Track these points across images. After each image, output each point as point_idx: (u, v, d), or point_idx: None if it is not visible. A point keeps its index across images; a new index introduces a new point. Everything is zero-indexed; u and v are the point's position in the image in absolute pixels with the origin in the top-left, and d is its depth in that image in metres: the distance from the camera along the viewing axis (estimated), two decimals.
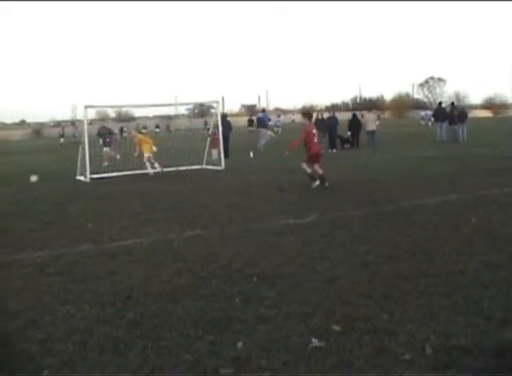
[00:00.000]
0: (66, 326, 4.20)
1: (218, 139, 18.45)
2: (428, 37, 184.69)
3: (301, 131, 11.78)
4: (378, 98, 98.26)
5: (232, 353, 3.58)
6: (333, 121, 23.85)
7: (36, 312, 4.54)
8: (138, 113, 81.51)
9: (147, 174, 15.99)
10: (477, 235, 6.49)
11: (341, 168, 15.39)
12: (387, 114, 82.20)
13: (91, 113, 65.85)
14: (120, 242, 7.09)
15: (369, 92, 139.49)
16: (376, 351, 3.51)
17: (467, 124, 25.61)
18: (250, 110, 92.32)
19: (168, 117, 76.98)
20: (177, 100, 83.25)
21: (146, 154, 15.91)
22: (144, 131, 25.85)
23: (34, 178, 15.50)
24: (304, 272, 5.31)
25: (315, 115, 25.73)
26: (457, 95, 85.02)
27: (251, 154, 21.30)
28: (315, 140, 11.53)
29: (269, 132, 22.60)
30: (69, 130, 54.23)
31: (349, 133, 24.55)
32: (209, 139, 19.30)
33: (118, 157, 20.05)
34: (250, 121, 51.50)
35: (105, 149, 20.68)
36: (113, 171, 16.47)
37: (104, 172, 16.42)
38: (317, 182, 11.07)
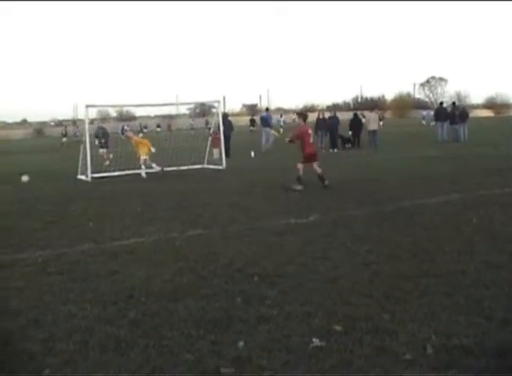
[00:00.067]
0: (68, 325, 4.21)
1: (219, 139, 18.45)
2: (429, 36, 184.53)
3: (294, 131, 11.85)
4: (379, 97, 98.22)
5: (233, 353, 3.58)
6: (334, 120, 23.86)
7: (37, 311, 4.55)
8: (139, 112, 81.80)
9: (147, 174, 15.95)
10: (479, 235, 6.49)
11: (342, 168, 15.39)
12: (388, 114, 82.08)
13: (93, 113, 65.93)
14: (122, 241, 7.10)
15: (371, 92, 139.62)
16: (377, 351, 3.51)
17: (468, 123, 25.59)
18: (252, 109, 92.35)
19: (170, 117, 76.96)
20: (178, 100, 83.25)
21: (143, 157, 15.86)
22: (145, 130, 25.80)
23: (25, 178, 15.52)
24: (306, 272, 5.31)
25: (316, 115, 25.91)
26: (458, 95, 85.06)
27: (252, 154, 21.30)
28: (311, 140, 11.52)
29: (273, 131, 22.60)
30: (70, 129, 54.22)
31: (350, 133, 24.55)
32: (210, 138, 19.31)
33: (108, 161, 19.51)
34: (252, 121, 51.60)
35: (100, 150, 20.64)
36: (114, 171, 16.50)
37: (105, 172, 16.45)
38: (299, 188, 10.99)
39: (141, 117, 75.63)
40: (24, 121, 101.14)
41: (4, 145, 48.36)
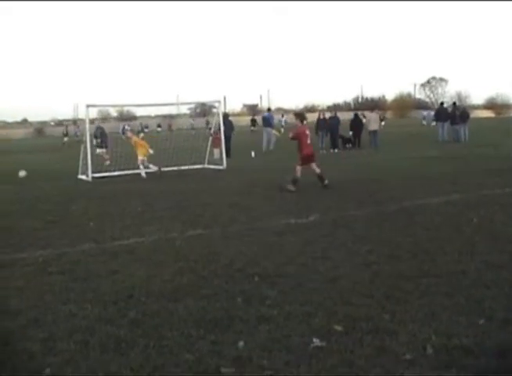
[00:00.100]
0: (68, 325, 4.21)
1: (219, 139, 18.45)
2: (430, 37, 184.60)
3: (292, 131, 11.91)
4: (380, 98, 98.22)
5: (234, 353, 3.58)
6: (334, 120, 23.87)
7: (38, 311, 4.55)
8: (139, 112, 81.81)
9: (148, 174, 15.95)
10: (479, 235, 6.49)
11: (343, 168, 15.39)
12: (388, 114, 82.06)
13: (93, 113, 66.06)
14: (122, 241, 7.10)
15: (371, 92, 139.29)
16: (377, 351, 3.51)
17: (469, 124, 25.58)
18: (252, 109, 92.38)
19: (170, 117, 77.03)
20: (179, 100, 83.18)
21: (140, 157, 15.89)
22: (146, 130, 25.76)
23: (22, 173, 15.52)
24: (306, 272, 5.31)
25: (316, 115, 25.91)
26: (459, 95, 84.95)
27: (253, 154, 21.31)
28: (308, 141, 11.45)
29: (274, 131, 22.62)
30: (71, 129, 54.28)
31: (351, 133, 24.56)
32: (211, 138, 19.31)
33: (109, 161, 19.42)
34: (253, 121, 51.57)
35: (98, 150, 20.61)
36: (114, 171, 16.51)
37: (106, 171, 16.46)
38: (293, 189, 10.96)
39: (141, 117, 75.70)
40: (25, 121, 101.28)
41: (4, 144, 48.37)
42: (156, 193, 11.98)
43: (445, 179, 11.70)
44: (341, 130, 23.98)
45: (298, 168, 11.25)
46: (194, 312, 4.33)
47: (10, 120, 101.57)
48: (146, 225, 8.14)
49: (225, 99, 74.84)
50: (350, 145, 24.18)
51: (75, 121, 71.11)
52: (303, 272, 5.34)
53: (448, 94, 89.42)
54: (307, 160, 11.34)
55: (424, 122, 52.63)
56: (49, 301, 4.78)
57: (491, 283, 4.72)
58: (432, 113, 39.69)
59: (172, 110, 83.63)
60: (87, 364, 3.52)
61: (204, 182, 13.76)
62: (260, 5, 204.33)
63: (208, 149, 18.59)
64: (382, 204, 8.95)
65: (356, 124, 24.62)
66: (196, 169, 16.94)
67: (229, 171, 15.99)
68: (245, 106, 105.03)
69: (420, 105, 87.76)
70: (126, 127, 44.65)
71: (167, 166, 16.64)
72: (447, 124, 25.35)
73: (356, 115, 25.57)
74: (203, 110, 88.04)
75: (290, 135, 11.75)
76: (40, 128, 78.84)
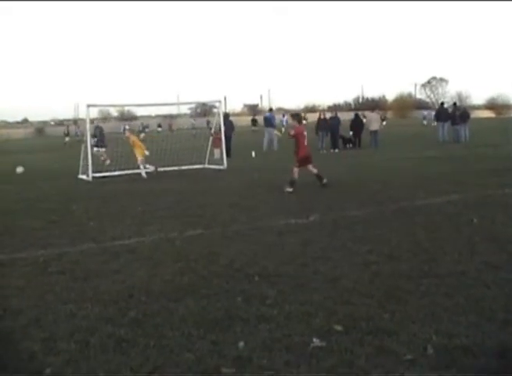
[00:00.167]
0: (69, 324, 4.21)
1: (220, 139, 18.45)
2: (431, 37, 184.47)
3: (291, 129, 11.91)
4: (380, 98, 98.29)
5: (234, 352, 3.58)
6: (335, 120, 23.88)
7: (38, 310, 4.55)
8: (140, 112, 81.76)
9: (147, 173, 15.95)
10: (479, 235, 6.49)
11: (343, 168, 15.40)
12: (389, 114, 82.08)
13: (94, 112, 65.97)
14: (123, 241, 7.11)
15: (372, 92, 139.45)
16: (377, 351, 3.51)
17: (469, 124, 25.57)
18: (253, 109, 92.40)
19: (171, 117, 76.98)
20: (179, 99, 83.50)
21: (140, 158, 15.89)
22: (147, 130, 25.68)
23: (19, 169, 15.53)
24: (306, 272, 5.31)
25: (317, 115, 25.91)
26: (459, 96, 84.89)
27: (253, 154, 21.32)
28: (305, 142, 11.42)
29: (276, 132, 22.66)
30: (72, 129, 54.28)
31: (351, 133, 24.56)
32: (211, 138, 19.32)
33: (109, 160, 19.35)
34: (254, 121, 51.56)
35: (95, 149, 20.59)
36: (115, 170, 16.51)
37: (106, 171, 16.46)
38: (291, 190, 10.95)
39: (142, 117, 75.63)
40: (25, 121, 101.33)
41: (5, 144, 48.37)
42: (157, 192, 11.98)
43: (445, 179, 11.70)
44: (342, 130, 23.98)
45: (295, 169, 11.23)
46: (194, 312, 4.34)
47: (11, 120, 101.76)
48: (146, 225, 8.14)
49: (225, 99, 74.87)
50: (350, 145, 24.19)
51: (76, 121, 71.07)
52: (303, 272, 5.34)
53: (448, 94, 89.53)
54: (303, 161, 11.31)
55: (425, 122, 52.64)
56: (50, 301, 4.78)
57: (491, 283, 4.72)
58: (433, 113, 39.69)
59: (173, 110, 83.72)
60: (87, 364, 3.52)
61: (205, 182, 13.76)
62: (260, 5, 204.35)
63: (209, 149, 18.59)
64: (382, 204, 8.95)
65: (357, 124, 24.63)
66: (197, 169, 16.94)
67: (230, 171, 16.00)
68: (245, 106, 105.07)
69: (421, 105, 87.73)
70: (126, 127, 44.65)
71: (167, 166, 16.65)
72: (447, 125, 25.35)
73: (357, 115, 25.56)
74: (204, 110, 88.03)
75: (292, 132, 11.66)
76: (40, 128, 78.86)
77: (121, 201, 10.84)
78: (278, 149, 23.18)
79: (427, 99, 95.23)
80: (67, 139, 42.44)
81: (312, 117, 44.95)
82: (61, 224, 8.54)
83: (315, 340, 3.68)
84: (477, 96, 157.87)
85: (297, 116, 12.44)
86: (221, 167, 17.00)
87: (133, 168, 16.21)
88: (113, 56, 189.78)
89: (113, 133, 29.95)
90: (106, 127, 27.38)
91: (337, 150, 22.66)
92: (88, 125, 16.64)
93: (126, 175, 15.95)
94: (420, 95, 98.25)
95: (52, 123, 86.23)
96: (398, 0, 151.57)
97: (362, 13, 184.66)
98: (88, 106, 16.58)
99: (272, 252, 6.15)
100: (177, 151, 18.28)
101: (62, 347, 3.78)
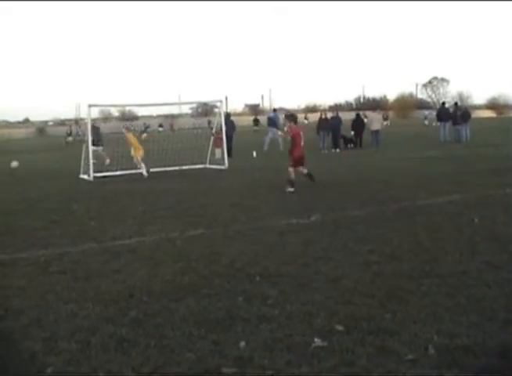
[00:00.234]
0: (70, 324, 4.21)
1: (221, 139, 18.44)
2: (432, 37, 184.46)
3: (289, 130, 11.90)
4: (381, 98, 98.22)
5: (235, 352, 3.58)
6: (336, 120, 23.87)
7: (39, 310, 4.56)
8: (141, 112, 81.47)
9: (148, 173, 15.96)
10: (480, 235, 6.48)
11: (344, 168, 15.39)
12: (390, 114, 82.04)
13: (95, 112, 65.81)
14: (123, 241, 7.11)
15: (373, 92, 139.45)
16: (378, 351, 3.51)
17: (471, 124, 25.55)
18: (254, 109, 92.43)
19: (172, 117, 76.95)
20: (180, 99, 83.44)
21: (138, 157, 15.89)
22: (148, 130, 25.55)
23: (14, 163, 15.52)
24: (307, 272, 5.31)
25: (318, 115, 25.90)
26: (460, 96, 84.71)
27: (254, 154, 21.32)
28: (302, 143, 11.43)
29: (280, 132, 22.66)
30: (73, 129, 54.31)
31: (352, 133, 24.56)
32: (212, 138, 19.32)
33: (109, 159, 19.26)
34: (256, 121, 51.58)
35: (93, 148, 20.52)
36: (115, 170, 16.52)
37: (107, 171, 16.47)
38: (292, 189, 10.96)
39: (143, 117, 75.62)
40: (26, 120, 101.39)
41: (6, 144, 48.39)
42: (158, 192, 11.99)
43: (447, 179, 11.69)
44: (343, 130, 23.96)
45: (291, 169, 11.26)
46: (195, 312, 4.34)
47: (12, 119, 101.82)
48: (147, 224, 8.14)
49: (226, 98, 74.81)
50: (352, 145, 24.18)
51: (77, 121, 71.09)
52: (304, 271, 5.34)
53: (449, 94, 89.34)
54: (299, 162, 11.37)
55: (426, 122, 52.58)
56: (51, 301, 4.78)
57: (492, 283, 4.71)
58: (434, 113, 39.66)
59: (174, 110, 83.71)
60: (88, 364, 3.52)
61: (206, 181, 13.77)
62: (260, 5, 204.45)
63: (210, 149, 18.60)
64: (384, 204, 8.95)
65: (358, 124, 24.62)
66: (198, 169, 16.95)
67: (231, 171, 16.00)
68: (247, 106, 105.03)
69: (422, 105, 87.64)
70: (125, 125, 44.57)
71: (168, 166, 16.66)
72: (449, 125, 25.33)
73: (358, 115, 25.57)
74: (205, 110, 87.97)
75: (290, 134, 11.69)
76: (42, 128, 78.91)
77: (122, 201, 10.84)
78: (283, 149, 23.12)
79: (429, 99, 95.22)
80: (70, 138, 42.53)
81: (313, 117, 44.96)
82: (62, 224, 8.54)
83: (316, 340, 3.68)
84: (479, 96, 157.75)
85: (291, 116, 12.45)
86: (222, 167, 17.00)
87: (134, 168, 16.21)
88: (115, 56, 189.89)
89: (114, 133, 29.93)
90: (107, 127, 27.35)
91: (338, 150, 22.65)
92: (89, 125, 16.67)
93: (127, 174, 15.95)
94: (421, 95, 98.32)
95: (51, 123, 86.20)
96: (400, 0, 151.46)
97: (363, 13, 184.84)
98: (90, 106, 16.60)
99: (274, 252, 6.14)
100: (178, 151, 18.28)
101: (63, 347, 3.79)
